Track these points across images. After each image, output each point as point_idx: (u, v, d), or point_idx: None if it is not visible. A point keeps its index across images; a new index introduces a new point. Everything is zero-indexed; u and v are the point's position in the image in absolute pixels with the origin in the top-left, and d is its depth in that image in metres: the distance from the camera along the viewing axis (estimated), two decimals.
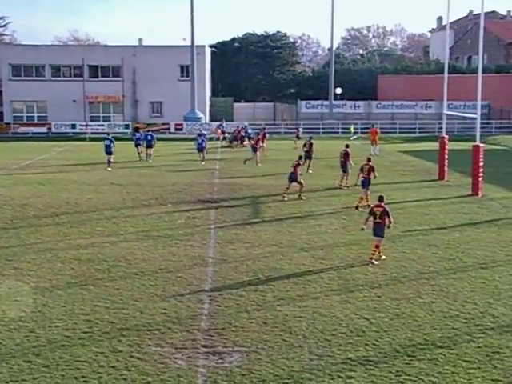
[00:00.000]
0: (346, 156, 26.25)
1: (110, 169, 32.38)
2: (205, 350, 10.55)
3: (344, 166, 26.26)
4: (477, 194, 24.65)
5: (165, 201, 23.62)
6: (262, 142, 37.24)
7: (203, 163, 34.74)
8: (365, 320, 11.81)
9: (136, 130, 41.71)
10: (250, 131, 45.85)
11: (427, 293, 13.31)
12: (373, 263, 15.34)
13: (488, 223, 19.95)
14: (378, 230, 15.45)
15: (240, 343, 10.79)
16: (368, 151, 41.99)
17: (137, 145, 36.57)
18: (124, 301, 12.78)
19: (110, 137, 34.11)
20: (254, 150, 34.35)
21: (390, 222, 15.49)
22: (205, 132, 44.74)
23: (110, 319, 11.83)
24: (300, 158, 25.18)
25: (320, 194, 25.25)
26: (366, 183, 22.28)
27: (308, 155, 30.97)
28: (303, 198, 23.87)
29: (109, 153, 32.99)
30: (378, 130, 40.88)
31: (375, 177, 22.56)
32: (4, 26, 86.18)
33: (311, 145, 31.69)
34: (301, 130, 46.85)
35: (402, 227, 19.25)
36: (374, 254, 15.51)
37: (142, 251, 16.51)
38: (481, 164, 24.91)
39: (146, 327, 11.45)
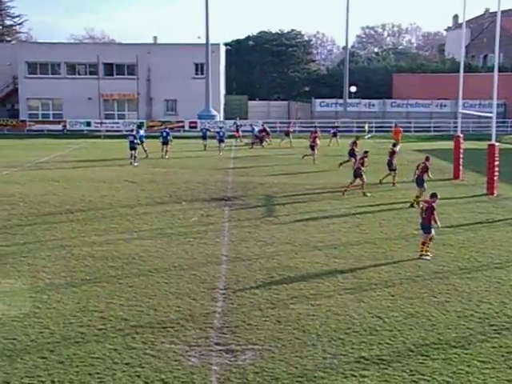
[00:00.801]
0: (392, 154, 26.75)
1: (136, 163, 33.02)
2: (218, 347, 10.54)
3: (390, 165, 26.67)
4: (492, 194, 24.47)
5: (179, 198, 23.67)
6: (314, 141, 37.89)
7: (221, 153, 38.22)
8: (378, 319, 11.76)
9: (139, 126, 41.29)
10: (256, 130, 46.17)
11: (441, 292, 13.22)
12: (426, 259, 15.46)
13: (503, 223, 19.80)
14: (422, 226, 15.67)
15: (253, 341, 10.78)
16: (386, 149, 41.83)
17: (141, 142, 36.10)
18: (138, 298, 12.81)
19: (133, 133, 34.71)
20: (312, 148, 35.01)
21: (435, 221, 15.51)
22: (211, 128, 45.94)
23: (124, 316, 11.86)
24: (365, 152, 25.85)
25: (334, 192, 25.16)
26: (418, 181, 22.41)
27: (352, 153, 31.21)
28: (368, 194, 24.30)
29: (133, 148, 33.51)
30: (401, 129, 41.25)
31: (429, 176, 22.80)
32: (20, 23, 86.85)
33: (354, 143, 32.01)
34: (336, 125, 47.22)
35: (415, 226, 19.10)
36: (422, 251, 15.65)
37: (156, 249, 16.55)
38: (496, 163, 24.72)
39: (159, 324, 11.47)
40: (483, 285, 13.72)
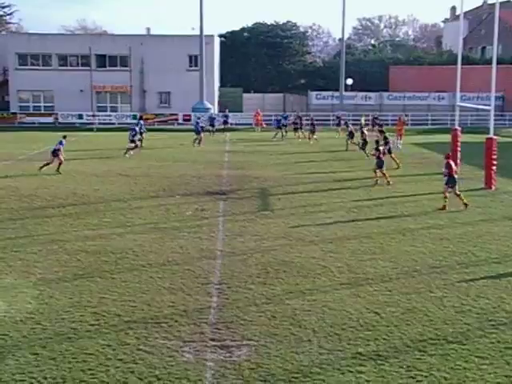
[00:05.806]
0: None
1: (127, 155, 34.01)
2: (213, 343, 10.40)
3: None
4: (490, 188, 24.36)
5: (173, 192, 23.48)
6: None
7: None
8: (375, 314, 11.63)
9: (140, 118, 41.40)
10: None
11: (439, 287, 13.10)
12: None
13: (501, 217, 19.70)
14: None
15: (248, 337, 10.64)
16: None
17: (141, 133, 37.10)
18: (131, 293, 12.65)
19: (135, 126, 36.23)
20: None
21: None
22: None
23: (117, 312, 11.70)
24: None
25: (329, 186, 25.06)
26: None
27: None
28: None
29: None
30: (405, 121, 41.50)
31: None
32: (10, 14, 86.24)
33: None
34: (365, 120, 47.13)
35: (413, 220, 19.06)
36: None
37: (149, 243, 16.37)
38: (494, 157, 24.61)
39: (153, 320, 11.32)
40: (481, 279, 13.60)
